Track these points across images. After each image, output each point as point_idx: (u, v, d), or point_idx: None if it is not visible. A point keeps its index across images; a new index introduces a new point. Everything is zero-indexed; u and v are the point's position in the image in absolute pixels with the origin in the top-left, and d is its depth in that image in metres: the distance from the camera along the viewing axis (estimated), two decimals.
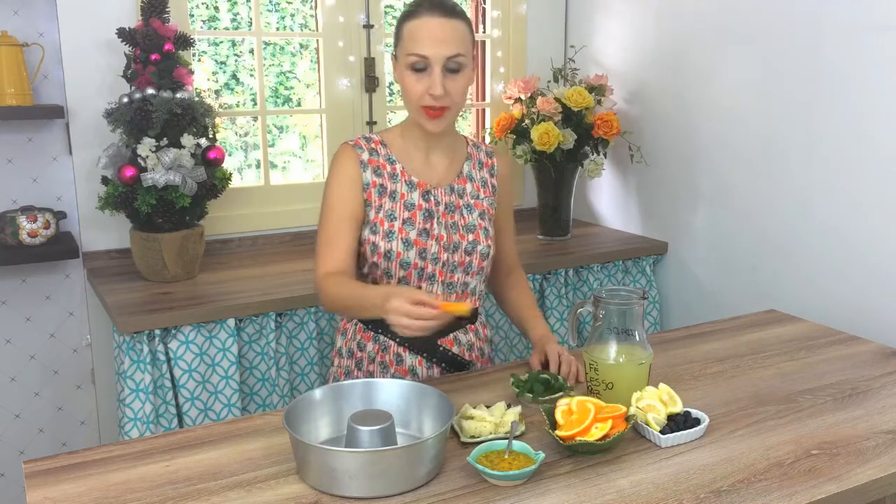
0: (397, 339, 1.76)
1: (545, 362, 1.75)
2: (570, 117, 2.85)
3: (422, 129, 1.71)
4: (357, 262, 1.77)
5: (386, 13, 3.00)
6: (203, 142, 2.38)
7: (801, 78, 2.38)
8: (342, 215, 1.70)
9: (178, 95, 2.33)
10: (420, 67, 1.62)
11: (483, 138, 3.23)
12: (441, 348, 1.78)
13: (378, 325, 1.76)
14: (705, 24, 2.68)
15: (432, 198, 1.74)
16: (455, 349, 1.80)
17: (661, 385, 1.53)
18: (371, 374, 1.77)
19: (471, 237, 1.75)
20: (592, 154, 2.94)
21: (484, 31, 3.22)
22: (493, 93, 3.25)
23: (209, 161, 2.40)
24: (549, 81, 3.05)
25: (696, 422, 1.48)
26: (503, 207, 1.86)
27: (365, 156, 1.73)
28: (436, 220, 1.73)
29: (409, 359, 1.77)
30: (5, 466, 2.61)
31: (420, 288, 1.72)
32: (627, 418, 1.42)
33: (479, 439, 1.44)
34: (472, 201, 1.78)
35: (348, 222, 1.70)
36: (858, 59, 2.22)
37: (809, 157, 2.39)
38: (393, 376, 1.76)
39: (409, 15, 1.65)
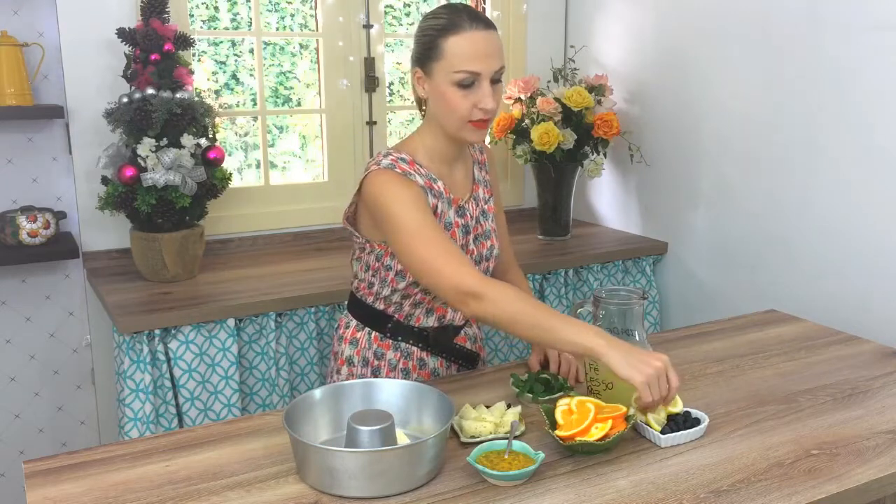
0: (420, 345, 1.76)
1: (545, 362, 1.75)
2: (570, 117, 2.85)
3: (446, 142, 1.66)
4: (380, 279, 1.71)
5: (386, 13, 3.00)
6: (203, 142, 2.38)
7: (801, 78, 2.38)
8: (440, 228, 1.57)
9: (178, 95, 2.33)
10: (468, 83, 1.57)
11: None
12: (457, 346, 1.80)
13: (398, 333, 1.75)
14: (705, 23, 2.68)
15: (467, 213, 1.72)
16: (468, 345, 1.81)
17: None
18: None
19: (489, 243, 1.75)
20: (592, 154, 2.94)
21: None
22: None
23: (209, 161, 2.40)
24: (549, 81, 3.05)
25: (696, 422, 1.49)
26: (495, 198, 1.84)
27: (419, 180, 1.63)
28: (471, 235, 1.71)
29: (432, 362, 1.78)
30: (5, 466, 2.61)
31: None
32: (627, 418, 1.42)
33: (479, 439, 1.44)
34: (486, 206, 1.77)
35: (447, 233, 1.60)
36: (859, 58, 2.22)
37: (809, 157, 2.39)
38: (416, 381, 1.74)
39: (448, 29, 1.57)
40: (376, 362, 1.77)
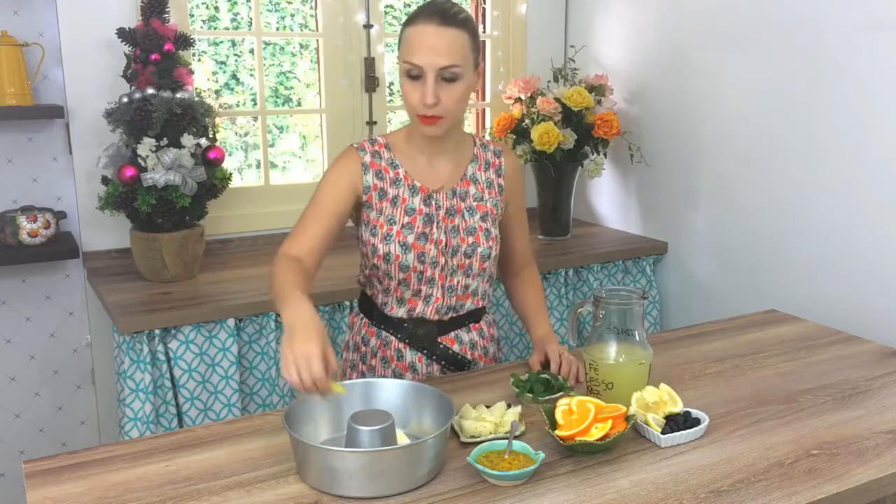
0: (398, 336, 1.77)
1: (545, 362, 1.75)
2: (570, 117, 2.85)
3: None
4: (362, 264, 1.80)
5: (386, 13, 3.00)
6: (203, 142, 2.38)
7: (801, 78, 2.38)
8: (325, 209, 1.69)
9: (178, 95, 2.33)
10: (414, 75, 1.60)
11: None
12: (441, 346, 1.78)
13: (381, 322, 1.78)
14: (705, 24, 2.68)
15: (433, 202, 1.73)
16: (456, 347, 1.80)
17: (662, 385, 1.53)
18: (373, 369, 1.79)
19: (471, 240, 1.74)
20: (592, 154, 2.94)
21: (484, 31, 3.22)
22: (493, 93, 3.25)
23: (209, 161, 2.40)
24: (549, 81, 3.05)
25: (696, 422, 1.48)
26: (514, 205, 1.85)
27: (367, 158, 1.72)
28: (435, 224, 1.72)
29: (410, 355, 1.78)
30: (5, 466, 2.61)
31: (419, 291, 1.73)
32: (627, 418, 1.42)
33: (479, 439, 1.44)
34: (475, 203, 1.77)
35: (328, 218, 1.69)
36: (858, 58, 2.22)
37: (809, 157, 2.39)
38: (394, 371, 1.77)
39: (409, 20, 1.64)
40: (364, 348, 1.81)
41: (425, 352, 1.78)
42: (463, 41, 1.61)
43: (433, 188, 1.74)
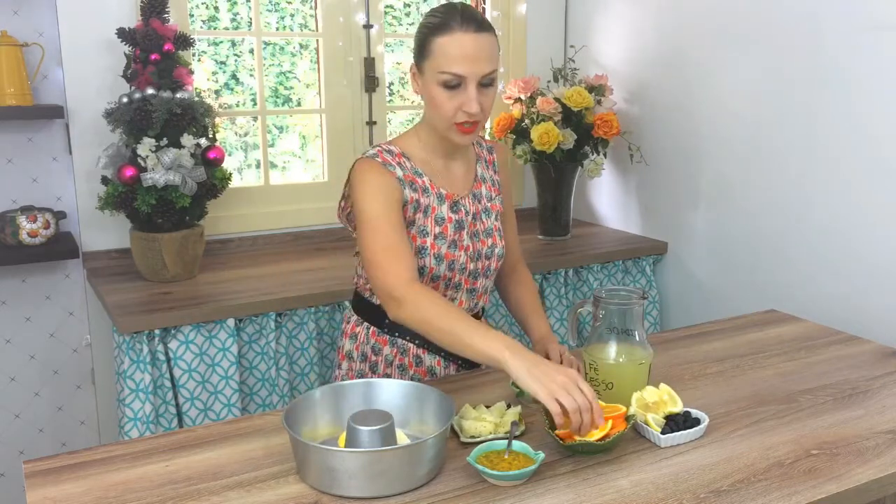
0: (416, 342, 1.75)
1: None
2: (570, 117, 2.85)
3: (441, 137, 1.67)
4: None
5: (386, 13, 3.00)
6: (203, 142, 2.38)
7: (800, 78, 2.39)
8: (396, 223, 1.60)
9: (178, 95, 2.33)
10: (454, 85, 1.57)
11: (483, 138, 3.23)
12: None
13: (395, 329, 1.74)
14: (705, 23, 2.68)
15: (462, 208, 1.71)
16: None
17: (662, 385, 1.53)
18: (389, 377, 1.76)
19: (490, 242, 1.74)
20: (592, 154, 2.94)
21: None
22: None
23: (209, 161, 2.40)
24: (549, 81, 3.05)
25: (696, 422, 1.48)
26: (507, 200, 1.85)
27: (399, 172, 1.65)
28: (465, 231, 1.71)
29: (429, 359, 1.77)
30: (5, 466, 2.61)
31: (445, 297, 1.70)
32: (627, 418, 1.42)
33: (479, 439, 1.44)
34: (489, 204, 1.77)
35: (403, 230, 1.61)
36: (858, 59, 2.22)
37: (809, 157, 2.39)
38: (412, 378, 1.75)
39: (439, 28, 1.57)
40: (374, 357, 1.78)
41: (443, 354, 1.77)
42: (495, 44, 1.60)
43: (458, 194, 1.72)
